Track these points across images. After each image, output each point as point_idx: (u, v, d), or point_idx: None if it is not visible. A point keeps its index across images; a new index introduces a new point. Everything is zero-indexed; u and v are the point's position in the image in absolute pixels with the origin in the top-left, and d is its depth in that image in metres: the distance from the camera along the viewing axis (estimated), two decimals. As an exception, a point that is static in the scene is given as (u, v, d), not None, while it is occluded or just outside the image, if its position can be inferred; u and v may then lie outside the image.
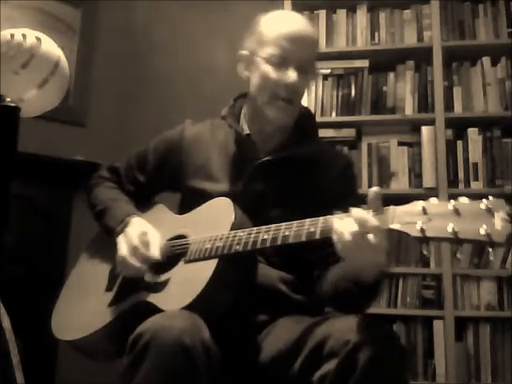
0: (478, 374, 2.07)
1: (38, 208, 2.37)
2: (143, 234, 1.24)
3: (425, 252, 0.93)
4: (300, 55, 1.25)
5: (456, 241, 0.87)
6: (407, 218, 0.91)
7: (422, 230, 0.89)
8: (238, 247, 1.09)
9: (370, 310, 2.22)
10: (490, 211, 0.85)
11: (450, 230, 0.86)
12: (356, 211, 0.95)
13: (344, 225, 0.96)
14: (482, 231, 0.84)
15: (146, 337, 0.96)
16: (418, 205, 0.92)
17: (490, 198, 0.86)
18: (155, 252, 1.21)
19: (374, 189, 0.96)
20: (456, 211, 0.87)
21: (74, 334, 1.26)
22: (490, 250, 0.87)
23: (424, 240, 0.90)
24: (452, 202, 0.89)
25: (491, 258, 0.87)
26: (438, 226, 0.88)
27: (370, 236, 0.92)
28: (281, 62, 1.24)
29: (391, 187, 2.29)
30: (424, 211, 0.90)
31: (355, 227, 0.93)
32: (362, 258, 0.97)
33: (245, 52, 1.33)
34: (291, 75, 1.23)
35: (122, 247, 1.24)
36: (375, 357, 0.94)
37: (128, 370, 0.98)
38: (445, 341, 2.08)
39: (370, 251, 0.94)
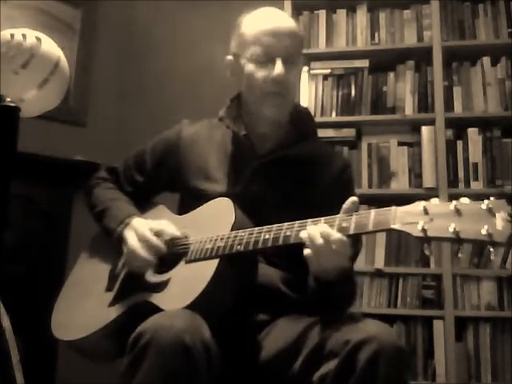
0: (478, 374, 2.07)
1: (38, 208, 2.37)
2: (150, 228, 1.24)
3: (427, 252, 0.93)
4: (282, 48, 1.25)
5: (457, 241, 0.87)
6: (409, 218, 0.92)
7: (424, 230, 0.89)
8: (239, 247, 1.09)
9: (369, 310, 2.23)
10: (491, 211, 0.86)
11: (451, 230, 0.87)
12: (320, 226, 1.02)
13: (312, 232, 1.02)
14: (484, 231, 0.84)
15: (147, 336, 0.96)
16: (419, 205, 0.92)
17: (492, 198, 0.87)
18: (174, 231, 1.23)
19: (354, 198, 1.03)
20: (457, 211, 0.88)
21: (74, 335, 1.26)
22: (492, 250, 0.87)
23: (426, 240, 0.91)
24: (453, 202, 0.89)
25: (492, 257, 0.87)
26: (439, 226, 0.88)
27: (333, 246, 1.00)
28: (265, 60, 1.25)
29: (391, 187, 2.29)
30: (425, 211, 0.91)
31: (320, 240, 1.00)
32: (325, 262, 1.03)
33: (229, 57, 1.34)
34: (277, 68, 1.23)
35: (132, 239, 1.23)
36: (375, 357, 0.94)
37: (128, 370, 0.98)
38: (445, 341, 2.08)
39: (333, 257, 1.02)
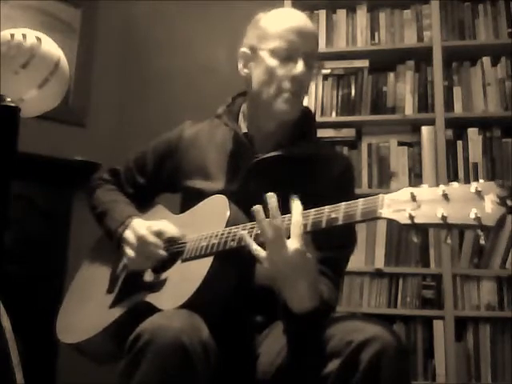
0: (478, 373, 2.07)
1: (38, 208, 2.37)
2: (149, 227, 1.25)
3: (414, 239, 0.89)
4: (306, 48, 1.25)
5: (445, 226, 0.85)
6: (396, 205, 0.90)
7: (411, 217, 0.87)
8: (232, 243, 1.09)
9: (369, 310, 2.22)
10: (479, 194, 0.82)
11: (439, 215, 0.84)
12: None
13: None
14: (472, 215, 0.81)
15: (145, 337, 0.96)
16: (407, 191, 0.90)
17: (481, 180, 0.84)
18: (173, 231, 1.23)
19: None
20: (445, 196, 0.85)
21: (78, 337, 1.26)
22: (481, 234, 0.84)
23: (413, 227, 0.88)
24: (442, 186, 0.86)
25: (482, 242, 0.83)
26: (427, 212, 0.86)
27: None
28: (287, 56, 1.24)
29: (391, 187, 2.28)
30: (413, 198, 0.88)
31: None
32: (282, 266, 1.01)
33: (245, 49, 1.32)
34: (298, 67, 1.23)
35: (131, 240, 1.24)
36: (377, 357, 0.94)
37: (127, 370, 0.98)
38: (445, 341, 2.08)
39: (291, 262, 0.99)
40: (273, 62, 1.25)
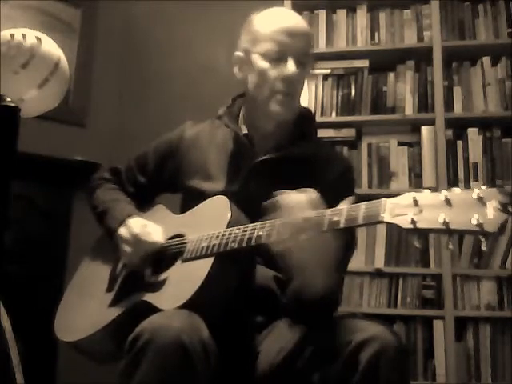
0: (478, 374, 2.07)
1: (38, 208, 2.37)
2: (144, 225, 1.27)
3: (416, 244, 0.89)
4: (296, 48, 1.25)
5: (447, 232, 0.85)
6: (398, 209, 0.90)
7: (413, 222, 0.87)
8: (233, 244, 1.09)
9: (369, 310, 2.22)
10: (481, 200, 0.83)
11: (441, 220, 0.84)
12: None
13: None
14: (474, 221, 0.82)
15: (145, 336, 0.96)
16: (409, 196, 0.90)
17: (483, 187, 0.84)
18: (158, 239, 1.24)
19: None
20: (447, 201, 0.85)
21: (75, 336, 1.26)
22: (483, 240, 0.84)
23: (415, 232, 0.88)
24: (444, 192, 0.87)
25: (484, 248, 0.84)
26: (429, 218, 0.86)
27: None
28: (278, 57, 1.25)
29: (391, 187, 2.28)
30: (415, 203, 0.88)
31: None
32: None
33: (239, 53, 1.33)
34: (289, 68, 1.24)
35: (125, 238, 1.27)
36: (377, 357, 0.94)
37: (127, 370, 0.98)
38: (445, 341, 2.08)
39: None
40: (264, 64, 1.26)
